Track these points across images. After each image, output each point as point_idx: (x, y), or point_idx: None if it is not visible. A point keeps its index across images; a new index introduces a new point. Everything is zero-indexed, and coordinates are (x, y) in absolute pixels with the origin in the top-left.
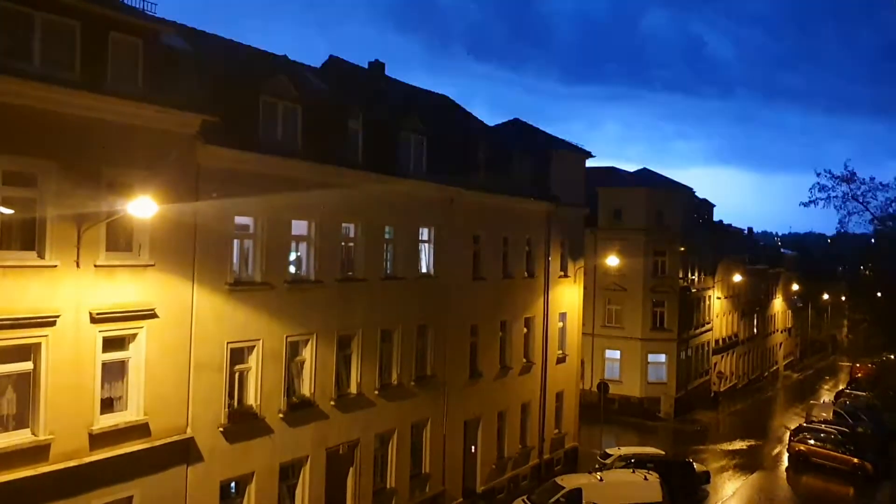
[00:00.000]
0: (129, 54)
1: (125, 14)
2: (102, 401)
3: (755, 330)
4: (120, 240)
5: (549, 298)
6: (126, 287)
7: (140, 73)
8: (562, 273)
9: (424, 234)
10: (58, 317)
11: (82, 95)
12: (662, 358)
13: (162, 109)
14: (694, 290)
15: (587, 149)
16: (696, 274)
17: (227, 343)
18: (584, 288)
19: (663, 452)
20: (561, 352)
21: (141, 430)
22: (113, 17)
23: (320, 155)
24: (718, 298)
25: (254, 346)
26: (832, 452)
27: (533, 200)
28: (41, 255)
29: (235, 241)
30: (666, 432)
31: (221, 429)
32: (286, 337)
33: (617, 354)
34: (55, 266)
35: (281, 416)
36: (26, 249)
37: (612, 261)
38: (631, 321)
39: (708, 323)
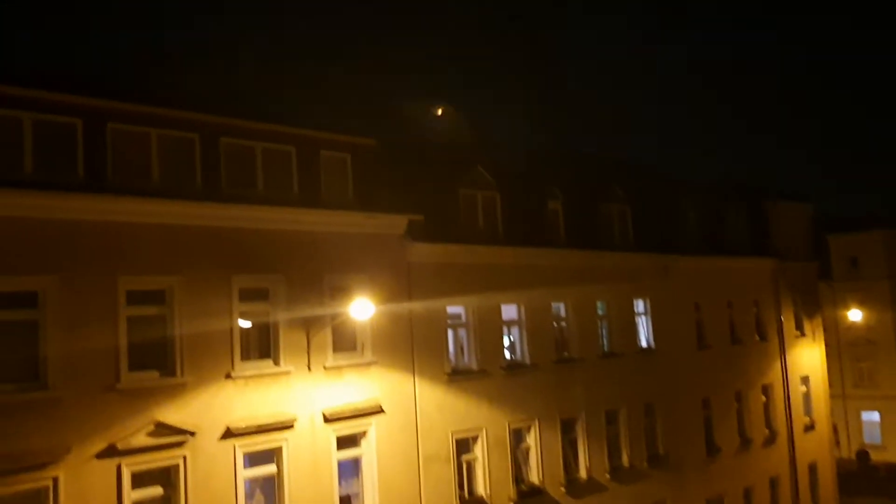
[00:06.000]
0: (338, 168)
1: (334, 133)
2: (340, 498)
3: None
4: (344, 340)
5: (786, 362)
6: (353, 386)
7: (350, 184)
8: (797, 333)
9: (640, 306)
10: (295, 420)
11: (302, 212)
12: None
13: (371, 215)
14: None
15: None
16: None
17: (452, 433)
18: (826, 346)
19: None
20: (808, 419)
21: None
22: (323, 138)
23: (522, 238)
24: None
25: (477, 436)
26: None
27: (754, 258)
28: (276, 363)
29: (449, 330)
30: None
31: None
32: (508, 424)
33: (875, 416)
34: (289, 372)
35: None
36: (263, 358)
37: (854, 315)
38: (887, 377)
39: None
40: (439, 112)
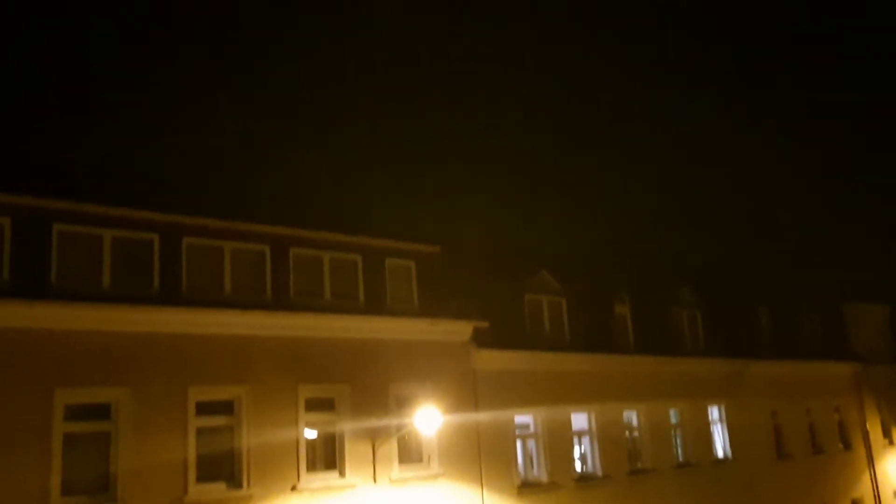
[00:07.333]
0: (403, 275)
1: (398, 241)
2: None
3: None
4: (410, 451)
5: (875, 472)
6: (420, 499)
7: (414, 291)
8: (886, 441)
9: (714, 413)
10: None
11: (367, 319)
12: None
13: (436, 322)
14: None
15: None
16: None
17: None
18: None
19: None
20: None
21: None
22: (389, 247)
23: (589, 344)
24: None
25: None
26: None
27: (833, 363)
28: (342, 475)
29: (518, 441)
30: None
31: None
32: None
33: None
34: (355, 485)
35: None
36: (328, 470)
37: None
38: None
39: None
40: None
